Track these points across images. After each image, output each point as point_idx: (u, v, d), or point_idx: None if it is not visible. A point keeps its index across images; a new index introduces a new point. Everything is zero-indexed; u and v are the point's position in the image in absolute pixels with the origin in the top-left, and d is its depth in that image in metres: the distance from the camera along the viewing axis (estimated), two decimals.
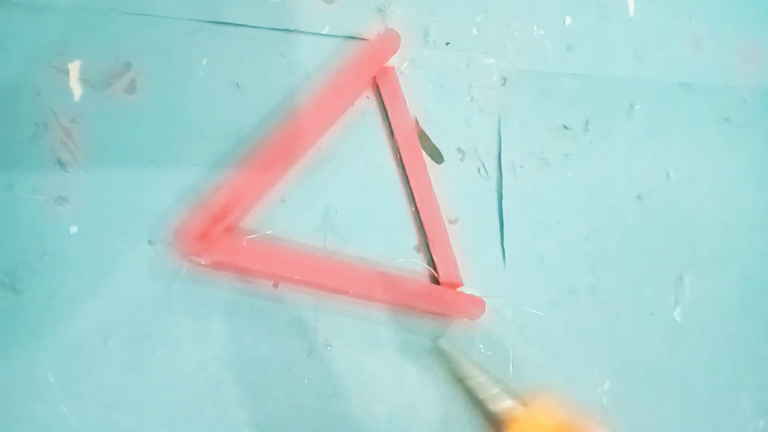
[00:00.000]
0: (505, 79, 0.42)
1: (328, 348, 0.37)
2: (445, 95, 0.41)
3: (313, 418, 0.36)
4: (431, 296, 0.37)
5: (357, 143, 0.39)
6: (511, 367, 0.39)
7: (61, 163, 0.34)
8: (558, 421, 0.28)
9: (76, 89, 0.35)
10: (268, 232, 0.36)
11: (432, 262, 0.39)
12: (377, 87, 0.39)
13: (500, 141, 0.41)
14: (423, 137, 0.40)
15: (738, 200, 0.48)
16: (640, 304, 0.44)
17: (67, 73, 0.35)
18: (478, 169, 0.41)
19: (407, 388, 0.38)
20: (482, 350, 0.39)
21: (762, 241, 0.47)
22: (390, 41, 0.39)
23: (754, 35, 0.49)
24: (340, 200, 0.38)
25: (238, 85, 0.37)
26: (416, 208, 0.39)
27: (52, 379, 0.33)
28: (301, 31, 0.38)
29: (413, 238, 0.39)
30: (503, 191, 0.41)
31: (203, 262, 0.34)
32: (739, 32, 0.49)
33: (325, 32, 0.39)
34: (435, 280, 0.39)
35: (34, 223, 0.33)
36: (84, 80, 0.35)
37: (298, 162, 0.38)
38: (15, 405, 0.32)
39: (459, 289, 0.38)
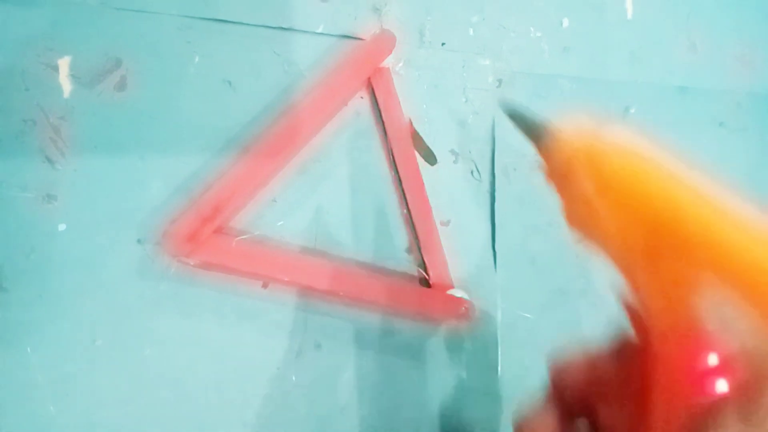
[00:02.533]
0: (500, 81, 0.42)
1: (318, 349, 0.37)
2: (439, 96, 0.40)
3: (302, 418, 0.36)
4: (421, 299, 0.37)
5: (350, 143, 0.39)
6: (500, 369, 0.39)
7: (49, 161, 0.34)
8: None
9: (66, 85, 0.34)
10: (258, 233, 0.36)
11: (423, 264, 0.39)
12: (372, 87, 0.39)
13: (494, 143, 0.41)
14: (417, 138, 0.40)
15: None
16: None
17: (56, 69, 0.34)
18: (471, 172, 0.41)
19: (396, 389, 0.38)
20: (472, 352, 0.39)
21: None
22: (385, 42, 0.38)
23: (751, 39, 0.49)
24: (331, 201, 0.38)
25: (230, 83, 0.37)
26: (408, 209, 0.39)
27: (39, 379, 0.32)
28: (296, 30, 0.38)
29: (405, 239, 0.39)
30: (496, 194, 0.41)
31: (192, 263, 0.34)
32: (736, 36, 0.49)
33: (319, 31, 0.38)
34: (426, 282, 0.39)
35: (21, 221, 0.33)
36: (73, 76, 0.34)
37: (290, 161, 0.37)
38: (2, 405, 0.32)
39: (449, 291, 0.38)
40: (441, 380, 0.39)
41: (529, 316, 0.41)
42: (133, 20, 0.35)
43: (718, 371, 0.18)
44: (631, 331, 0.21)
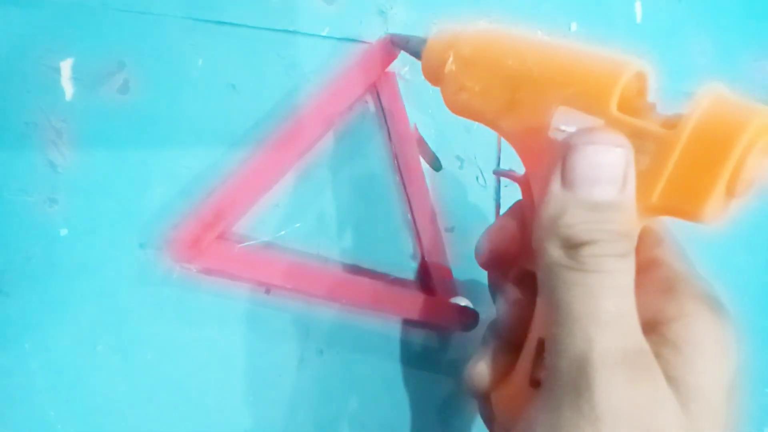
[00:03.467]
0: None
1: (320, 355, 0.37)
2: None
3: (304, 425, 0.36)
4: (425, 306, 0.37)
5: (354, 148, 0.38)
6: None
7: (51, 164, 0.33)
8: None
9: (68, 88, 0.34)
10: (262, 240, 0.36)
11: (427, 271, 0.38)
12: (377, 92, 0.38)
13: (499, 149, 0.41)
14: (422, 144, 0.39)
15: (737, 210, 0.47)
16: None
17: (58, 71, 0.34)
18: (477, 178, 0.40)
19: (399, 397, 0.38)
20: None
21: (760, 255, 0.47)
22: (391, 46, 0.38)
23: (762, 44, 0.48)
24: (335, 206, 0.38)
25: (234, 86, 0.36)
26: (413, 215, 0.38)
27: (39, 384, 0.32)
28: (300, 33, 0.37)
29: (409, 246, 0.39)
30: (501, 200, 0.41)
31: (194, 269, 0.34)
32: (748, 41, 0.48)
33: (324, 34, 0.38)
34: (430, 290, 0.38)
35: (22, 225, 0.33)
36: (76, 79, 0.34)
37: (294, 166, 0.37)
38: (1, 410, 0.32)
39: (453, 299, 0.38)
40: (444, 389, 0.38)
41: None
42: (136, 22, 0.35)
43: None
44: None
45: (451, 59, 0.26)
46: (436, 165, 0.40)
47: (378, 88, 0.38)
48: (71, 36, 0.34)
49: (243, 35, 0.36)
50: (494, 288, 0.29)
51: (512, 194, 0.41)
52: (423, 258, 0.38)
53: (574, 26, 0.43)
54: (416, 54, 0.30)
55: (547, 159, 0.22)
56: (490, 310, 0.39)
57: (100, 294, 0.34)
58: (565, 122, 0.22)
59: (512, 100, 0.24)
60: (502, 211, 0.41)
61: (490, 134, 0.41)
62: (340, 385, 0.37)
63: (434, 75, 0.28)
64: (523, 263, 0.27)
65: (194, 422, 0.34)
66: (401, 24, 0.39)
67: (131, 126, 0.35)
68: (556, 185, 0.21)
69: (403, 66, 0.39)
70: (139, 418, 0.34)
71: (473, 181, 0.40)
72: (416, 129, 0.39)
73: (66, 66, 0.34)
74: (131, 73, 0.35)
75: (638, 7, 0.45)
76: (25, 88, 0.33)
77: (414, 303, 0.37)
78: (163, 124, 0.35)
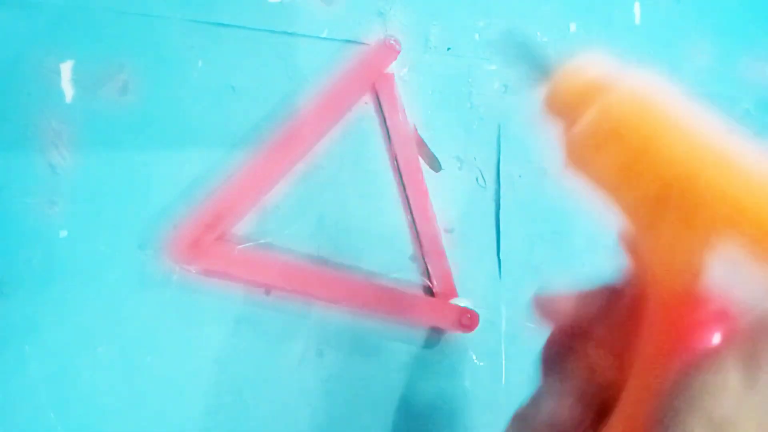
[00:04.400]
0: (506, 87, 0.41)
1: (320, 356, 0.37)
2: (444, 102, 0.40)
3: (303, 426, 0.36)
4: (425, 307, 0.37)
5: (354, 150, 0.38)
6: (504, 379, 0.39)
7: (51, 166, 0.33)
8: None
9: (68, 90, 0.34)
10: (261, 241, 0.36)
11: (427, 273, 0.38)
12: (376, 93, 0.38)
13: (499, 150, 0.41)
14: (421, 145, 0.39)
15: None
16: None
17: (58, 73, 0.34)
18: (476, 178, 0.40)
19: (398, 398, 0.38)
20: (475, 361, 0.39)
21: None
22: (390, 47, 0.38)
23: (760, 45, 0.48)
24: (335, 208, 0.38)
25: (233, 88, 0.36)
26: (412, 217, 0.38)
27: (40, 386, 0.32)
28: (300, 34, 0.37)
29: (409, 247, 0.39)
30: (501, 201, 0.41)
31: (194, 270, 0.34)
32: (746, 42, 0.48)
33: (323, 36, 0.38)
34: (429, 291, 0.38)
35: (23, 227, 0.33)
36: (75, 81, 0.34)
37: (294, 168, 0.37)
38: (2, 412, 0.32)
39: (453, 300, 0.38)
40: (444, 390, 0.38)
41: (533, 326, 0.40)
42: (136, 24, 0.35)
43: (716, 323, 0.16)
44: (625, 277, 0.20)
45: (594, 113, 0.20)
46: (435, 166, 0.40)
47: (377, 89, 0.38)
48: (71, 38, 0.34)
49: (243, 37, 0.37)
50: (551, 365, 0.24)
51: (512, 196, 0.41)
52: (423, 259, 0.38)
53: (573, 27, 0.43)
54: (540, 68, 0.23)
55: (692, 294, 0.17)
56: (489, 311, 0.39)
57: (100, 295, 0.34)
58: (728, 264, 0.17)
59: (660, 198, 0.18)
60: (503, 212, 0.41)
61: (489, 135, 0.41)
62: (340, 385, 0.37)
63: (566, 112, 0.22)
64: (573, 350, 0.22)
65: (194, 423, 0.34)
66: (400, 25, 0.39)
67: (131, 128, 0.35)
68: (734, 378, 0.16)
69: (402, 67, 0.39)
70: (140, 418, 0.34)
71: (473, 182, 0.40)
72: (415, 130, 0.39)
73: (66, 68, 0.34)
74: (131, 75, 0.35)
75: (637, 8, 0.45)
76: (25, 90, 0.33)
77: (413, 304, 0.37)
78: (162, 125, 0.35)
